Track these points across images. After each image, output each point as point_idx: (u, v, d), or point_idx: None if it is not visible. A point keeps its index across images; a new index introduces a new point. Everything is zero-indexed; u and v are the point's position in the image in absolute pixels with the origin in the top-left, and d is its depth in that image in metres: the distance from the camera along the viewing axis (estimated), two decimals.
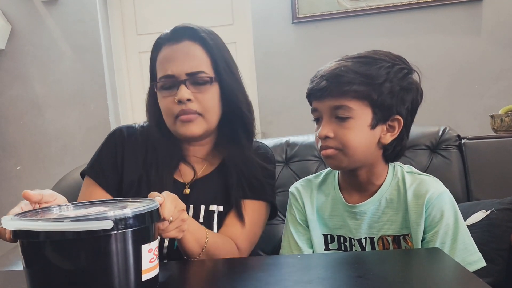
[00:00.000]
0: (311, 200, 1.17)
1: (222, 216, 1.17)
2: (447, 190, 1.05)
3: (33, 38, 3.08)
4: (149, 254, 0.74)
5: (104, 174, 1.19)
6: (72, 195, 1.61)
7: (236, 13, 3.06)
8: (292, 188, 1.22)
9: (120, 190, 1.19)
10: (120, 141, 1.22)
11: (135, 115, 3.20)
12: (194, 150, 1.23)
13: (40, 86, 3.06)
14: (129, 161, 1.20)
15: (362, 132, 1.02)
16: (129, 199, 0.84)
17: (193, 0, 3.10)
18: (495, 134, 1.84)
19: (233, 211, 1.17)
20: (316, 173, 1.24)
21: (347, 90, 1.00)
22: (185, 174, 1.21)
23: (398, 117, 1.04)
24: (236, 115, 1.19)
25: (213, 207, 1.17)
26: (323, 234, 1.15)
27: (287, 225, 1.20)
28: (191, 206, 1.16)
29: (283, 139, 1.73)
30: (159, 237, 0.81)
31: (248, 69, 2.96)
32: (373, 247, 1.08)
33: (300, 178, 1.51)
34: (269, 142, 1.72)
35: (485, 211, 1.36)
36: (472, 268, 0.95)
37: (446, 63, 2.72)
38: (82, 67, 3.06)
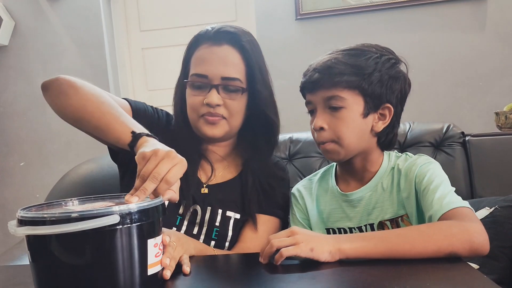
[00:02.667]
0: (312, 198, 1.21)
1: (238, 223, 1.18)
2: (435, 161, 1.09)
3: (37, 34, 3.08)
4: (155, 248, 0.75)
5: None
6: (75, 191, 1.62)
7: (240, 10, 3.06)
8: (293, 190, 1.26)
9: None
10: (162, 120, 1.25)
11: None
12: (214, 149, 1.24)
13: None
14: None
15: (355, 121, 1.06)
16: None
17: None
18: (500, 131, 1.84)
19: (248, 226, 1.18)
20: (316, 172, 1.28)
21: (339, 81, 1.05)
22: (204, 172, 1.22)
23: (388, 105, 1.08)
24: (260, 120, 1.20)
25: (230, 213, 1.17)
26: (325, 228, 1.16)
27: (290, 224, 1.23)
28: (209, 208, 1.17)
29: (286, 136, 1.73)
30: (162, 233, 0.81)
31: None
32: None
33: (303, 175, 1.54)
34: None
35: (488, 208, 1.36)
36: (450, 206, 0.94)
37: (451, 59, 2.70)
38: (85, 63, 3.05)
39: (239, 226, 1.18)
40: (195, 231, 1.15)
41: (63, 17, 3.07)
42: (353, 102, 1.06)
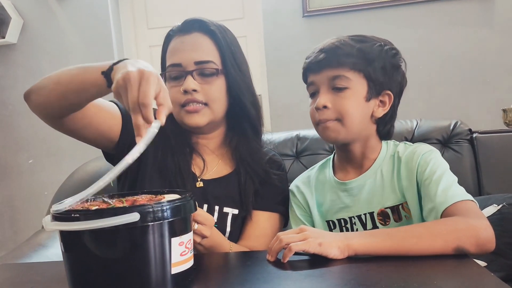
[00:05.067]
0: (311, 192, 1.20)
1: (236, 219, 1.18)
2: (435, 149, 1.10)
3: (45, 32, 3.10)
4: (180, 247, 0.73)
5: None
6: (83, 189, 1.62)
7: (247, 7, 3.06)
8: (291, 186, 1.26)
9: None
10: None
11: None
12: (203, 142, 1.23)
13: None
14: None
15: (358, 103, 1.07)
16: (165, 190, 0.85)
17: None
18: (507, 128, 1.83)
19: (250, 223, 1.19)
20: (312, 166, 1.28)
21: (345, 61, 1.06)
22: (197, 166, 1.22)
23: (389, 92, 1.10)
24: (241, 109, 1.20)
25: (227, 209, 1.17)
26: (326, 221, 1.16)
27: (290, 222, 1.23)
28: (205, 206, 1.17)
29: (294, 133, 1.73)
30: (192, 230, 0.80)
31: (259, 63, 2.95)
32: (373, 222, 1.10)
33: None
34: (279, 135, 1.72)
35: (496, 205, 1.36)
36: (454, 200, 0.94)
37: (458, 56, 2.69)
38: (93, 61, 3.01)
39: (238, 222, 1.18)
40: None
41: (71, 15, 3.08)
42: (358, 84, 1.07)
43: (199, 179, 1.19)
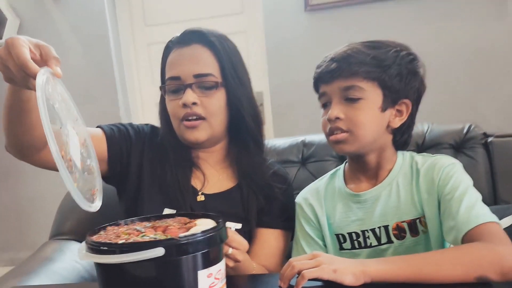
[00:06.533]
0: (320, 204, 1.15)
1: (239, 233, 1.13)
2: (458, 161, 1.05)
3: (41, 32, 3.05)
4: (208, 279, 0.72)
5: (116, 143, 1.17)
6: None
7: (246, 1, 2.98)
8: (298, 199, 1.20)
9: (123, 176, 1.18)
10: (145, 134, 1.23)
11: (145, 108, 3.15)
12: (204, 156, 1.21)
13: None
14: (146, 156, 1.20)
15: (373, 113, 1.03)
16: (200, 213, 0.85)
17: None
18: None
19: (257, 241, 1.18)
20: (320, 177, 1.24)
21: (358, 71, 1.01)
22: (199, 180, 1.20)
23: (406, 100, 1.05)
24: (242, 123, 1.18)
25: (230, 224, 1.14)
26: (335, 234, 1.12)
27: (297, 237, 1.18)
28: None
29: (299, 138, 1.67)
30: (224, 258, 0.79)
31: (260, 60, 2.89)
32: (388, 236, 1.06)
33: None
34: (284, 142, 1.66)
35: None
36: (477, 221, 0.89)
37: (469, 51, 2.61)
38: (90, 61, 3.03)
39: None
40: None
41: (68, 15, 3.05)
42: (372, 94, 1.02)
43: (200, 193, 1.17)
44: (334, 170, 1.21)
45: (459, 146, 1.52)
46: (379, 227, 1.06)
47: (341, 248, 1.11)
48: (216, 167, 1.22)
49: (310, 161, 1.61)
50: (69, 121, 0.76)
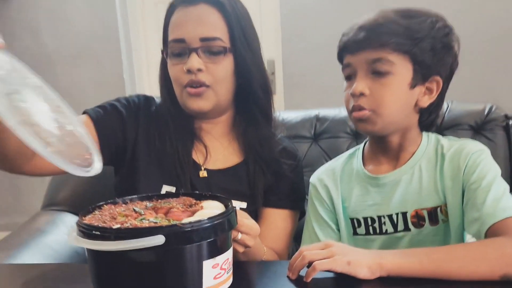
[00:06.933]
0: (336, 186, 1.10)
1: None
2: (487, 148, 1.00)
3: None
4: (214, 270, 0.67)
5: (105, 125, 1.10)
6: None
7: None
8: (313, 179, 1.15)
9: (120, 155, 1.12)
10: (137, 106, 1.16)
11: (151, 70, 3.08)
12: (207, 128, 1.16)
13: (50, 39, 2.95)
14: (142, 129, 1.13)
15: (401, 90, 0.96)
16: (207, 194, 0.82)
17: None
18: None
19: (265, 221, 1.13)
20: (338, 156, 1.18)
21: (388, 42, 0.94)
22: (201, 154, 1.14)
23: (438, 77, 0.98)
24: (250, 92, 1.12)
25: (234, 203, 1.09)
26: (350, 218, 1.08)
27: (309, 219, 1.13)
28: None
29: (312, 112, 1.59)
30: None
31: (273, 27, 2.81)
32: (405, 224, 1.01)
33: (330, 157, 1.43)
34: (296, 115, 1.59)
35: None
36: (504, 215, 0.86)
37: (498, 29, 2.52)
38: (94, 19, 2.94)
39: None
40: None
41: None
42: (402, 68, 0.95)
43: (202, 168, 1.12)
44: (353, 149, 1.15)
45: (479, 127, 1.45)
46: (397, 214, 1.01)
47: (355, 233, 1.07)
48: (220, 140, 1.16)
49: (323, 137, 1.54)
50: (26, 89, 0.72)
